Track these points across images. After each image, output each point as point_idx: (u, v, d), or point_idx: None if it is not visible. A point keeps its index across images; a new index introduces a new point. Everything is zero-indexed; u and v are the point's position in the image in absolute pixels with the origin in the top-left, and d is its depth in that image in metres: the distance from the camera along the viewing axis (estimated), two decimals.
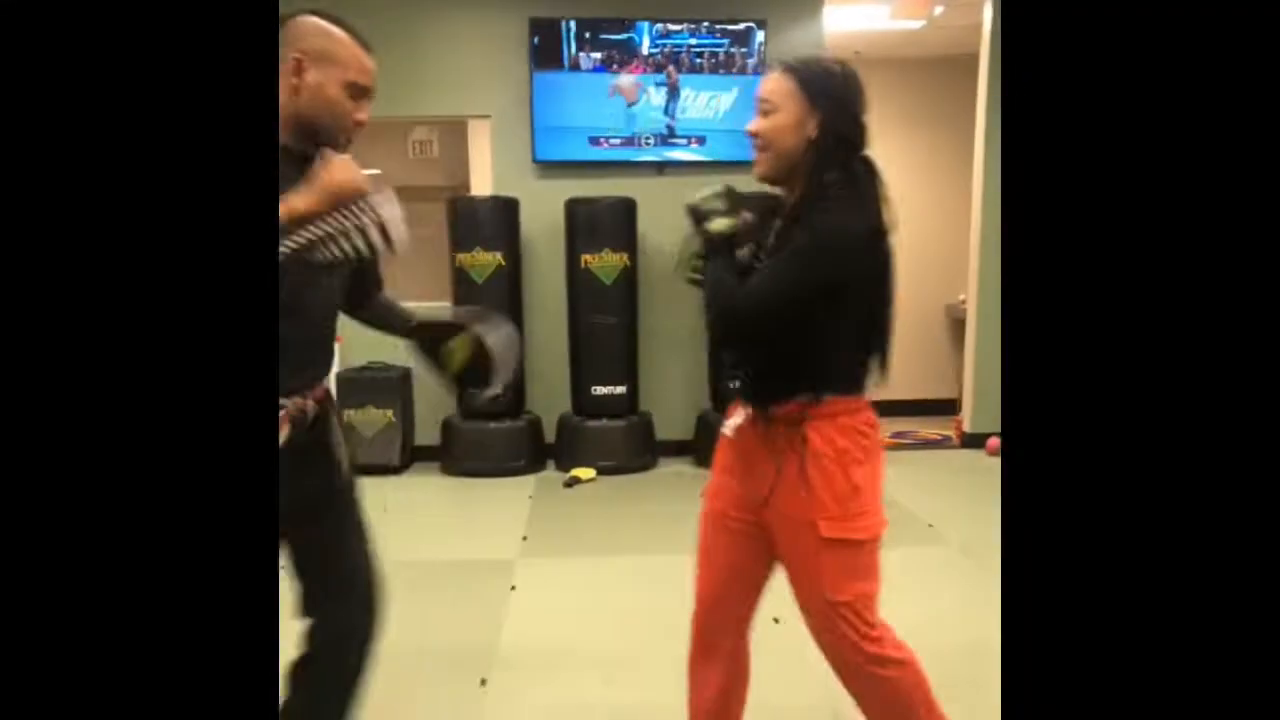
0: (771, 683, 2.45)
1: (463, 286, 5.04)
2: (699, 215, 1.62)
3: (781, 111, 1.55)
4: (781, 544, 1.64)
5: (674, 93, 5.18)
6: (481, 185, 5.44)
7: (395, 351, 5.23)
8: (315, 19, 1.47)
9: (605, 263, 5.00)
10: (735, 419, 1.71)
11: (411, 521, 4.29)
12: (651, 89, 5.17)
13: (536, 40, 5.06)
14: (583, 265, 5.03)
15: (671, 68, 5.14)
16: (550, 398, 5.34)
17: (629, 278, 5.09)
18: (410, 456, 5.23)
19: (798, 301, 1.50)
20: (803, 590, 1.63)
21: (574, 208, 5.07)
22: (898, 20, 5.60)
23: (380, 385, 5.08)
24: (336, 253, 1.37)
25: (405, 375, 5.23)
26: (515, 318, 5.16)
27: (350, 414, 5.06)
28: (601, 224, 5.04)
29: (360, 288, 1.72)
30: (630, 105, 5.17)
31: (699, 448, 5.29)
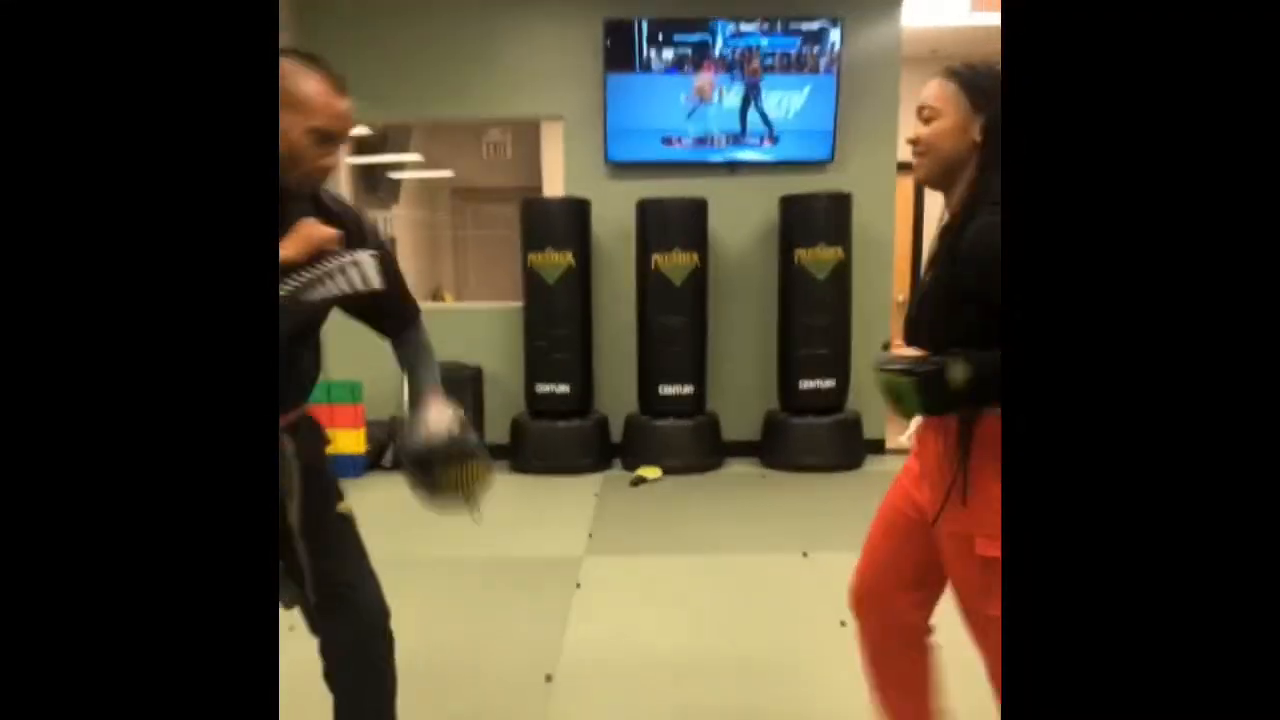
0: (845, 691, 2.43)
1: (534, 286, 5.09)
2: (932, 379, 1.49)
3: (944, 117, 1.54)
4: (945, 555, 1.61)
5: (756, 91, 5.16)
6: (554, 186, 5.49)
7: (466, 351, 5.34)
8: (287, 62, 1.45)
9: (675, 263, 5.00)
10: (916, 421, 1.68)
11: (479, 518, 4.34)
12: (723, 88, 5.16)
13: (609, 42, 5.09)
14: (653, 265, 5.04)
15: (757, 64, 5.11)
16: (618, 397, 5.37)
17: (699, 278, 5.08)
18: None
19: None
20: (963, 602, 1.61)
21: (645, 207, 5.09)
22: (978, 13, 5.48)
23: (452, 384, 5.13)
24: (327, 292, 1.49)
25: (476, 374, 5.31)
26: (585, 317, 5.20)
27: None
28: (672, 224, 5.04)
29: (374, 322, 1.78)
30: (703, 104, 5.16)
31: (766, 448, 5.26)
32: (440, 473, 1.67)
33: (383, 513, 4.29)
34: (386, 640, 1.77)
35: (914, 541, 1.68)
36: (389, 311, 1.76)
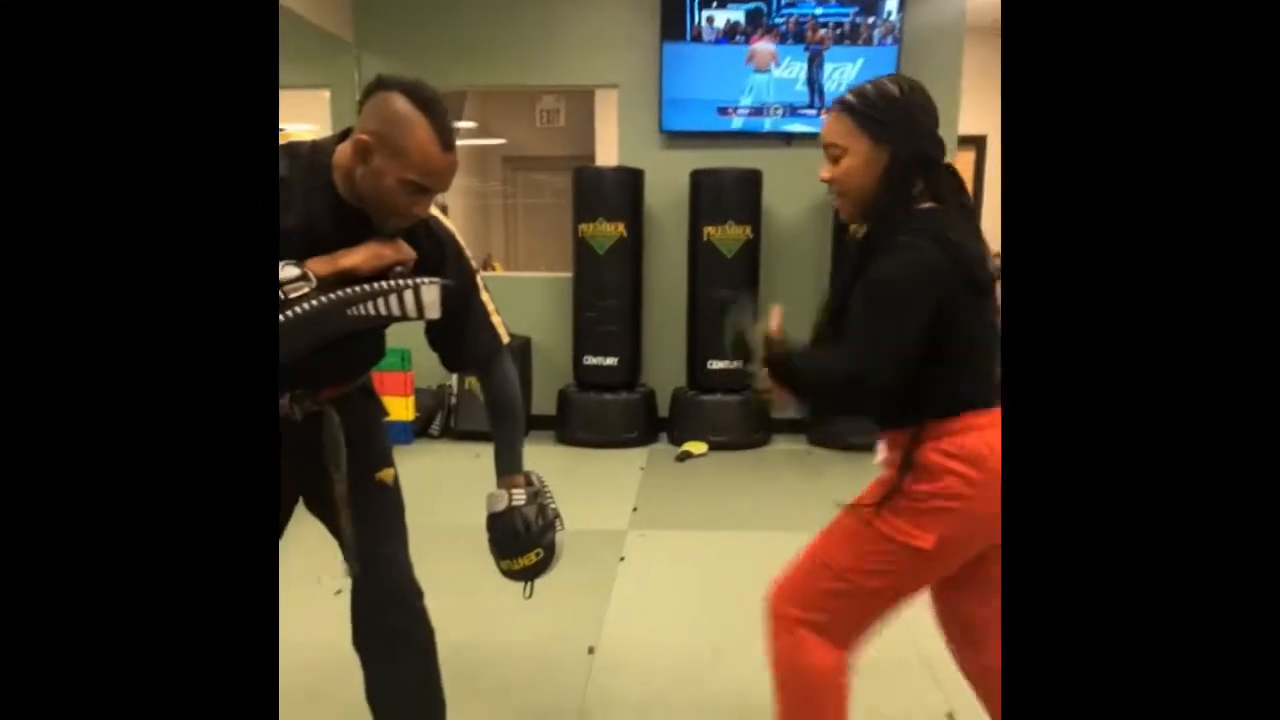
0: (885, 665, 2.40)
1: (584, 257, 5.07)
2: (744, 348, 1.68)
3: (849, 153, 1.51)
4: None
5: (819, 62, 5.06)
6: (607, 155, 5.45)
7: (515, 321, 5.33)
8: (403, 103, 1.39)
9: (728, 235, 4.94)
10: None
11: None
12: (787, 59, 5.06)
13: (664, 9, 5.01)
14: (705, 237, 4.98)
15: (824, 33, 5.00)
16: (665, 371, 5.34)
17: (751, 251, 5.02)
18: (527, 425, 5.32)
19: (897, 360, 1.45)
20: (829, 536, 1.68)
21: (698, 179, 5.02)
22: None
23: None
24: (368, 310, 1.45)
25: (525, 344, 5.31)
26: (635, 289, 5.17)
27: (470, 381, 5.17)
28: (725, 196, 4.97)
29: (447, 352, 1.75)
30: (760, 73, 5.07)
31: (814, 426, 5.20)
32: (500, 559, 1.74)
33: (429, 480, 4.35)
34: (414, 618, 1.73)
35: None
36: (451, 343, 1.72)
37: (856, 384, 1.46)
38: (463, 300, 1.64)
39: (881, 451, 1.67)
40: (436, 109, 1.41)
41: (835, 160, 1.53)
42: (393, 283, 1.46)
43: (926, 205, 1.50)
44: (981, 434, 1.50)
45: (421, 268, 1.53)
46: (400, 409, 4.97)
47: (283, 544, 1.69)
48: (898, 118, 1.49)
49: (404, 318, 1.50)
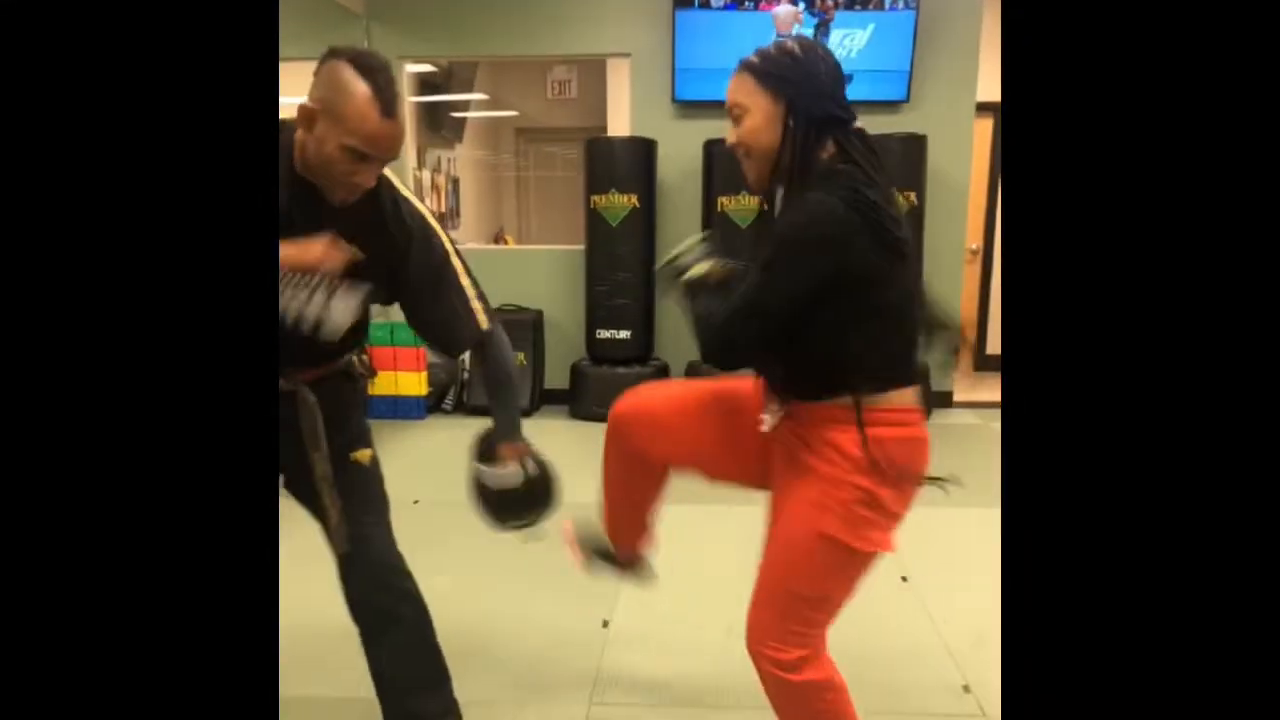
0: (902, 648, 2.39)
1: (596, 229, 5.03)
2: (676, 271, 1.64)
3: (752, 112, 1.48)
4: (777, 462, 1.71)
5: (825, 29, 4.98)
6: (619, 125, 5.39)
7: (527, 295, 5.32)
8: (346, 70, 1.38)
9: (742, 206, 4.89)
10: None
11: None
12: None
13: None
14: (719, 208, 4.93)
15: (829, 1, 4.92)
16: (679, 344, 5.31)
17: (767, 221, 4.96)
18: (540, 400, 5.31)
19: (784, 312, 1.43)
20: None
21: (713, 149, 4.97)
22: None
23: (513, 328, 5.13)
24: None
25: (537, 318, 5.29)
26: (648, 261, 5.13)
27: None
28: (739, 166, 4.90)
29: (431, 342, 1.75)
30: (780, 36, 4.99)
31: None
32: (496, 521, 1.77)
33: (441, 455, 4.34)
34: (395, 595, 1.72)
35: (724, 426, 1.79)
36: (432, 334, 1.71)
37: (726, 334, 1.49)
38: (429, 289, 1.63)
39: (771, 420, 1.62)
40: (380, 76, 1.40)
41: (738, 121, 1.51)
42: (302, 289, 1.44)
43: (840, 166, 1.45)
44: (916, 425, 1.52)
45: (382, 256, 1.52)
46: (413, 384, 4.97)
47: None
48: (799, 74, 1.46)
49: (303, 326, 1.46)
